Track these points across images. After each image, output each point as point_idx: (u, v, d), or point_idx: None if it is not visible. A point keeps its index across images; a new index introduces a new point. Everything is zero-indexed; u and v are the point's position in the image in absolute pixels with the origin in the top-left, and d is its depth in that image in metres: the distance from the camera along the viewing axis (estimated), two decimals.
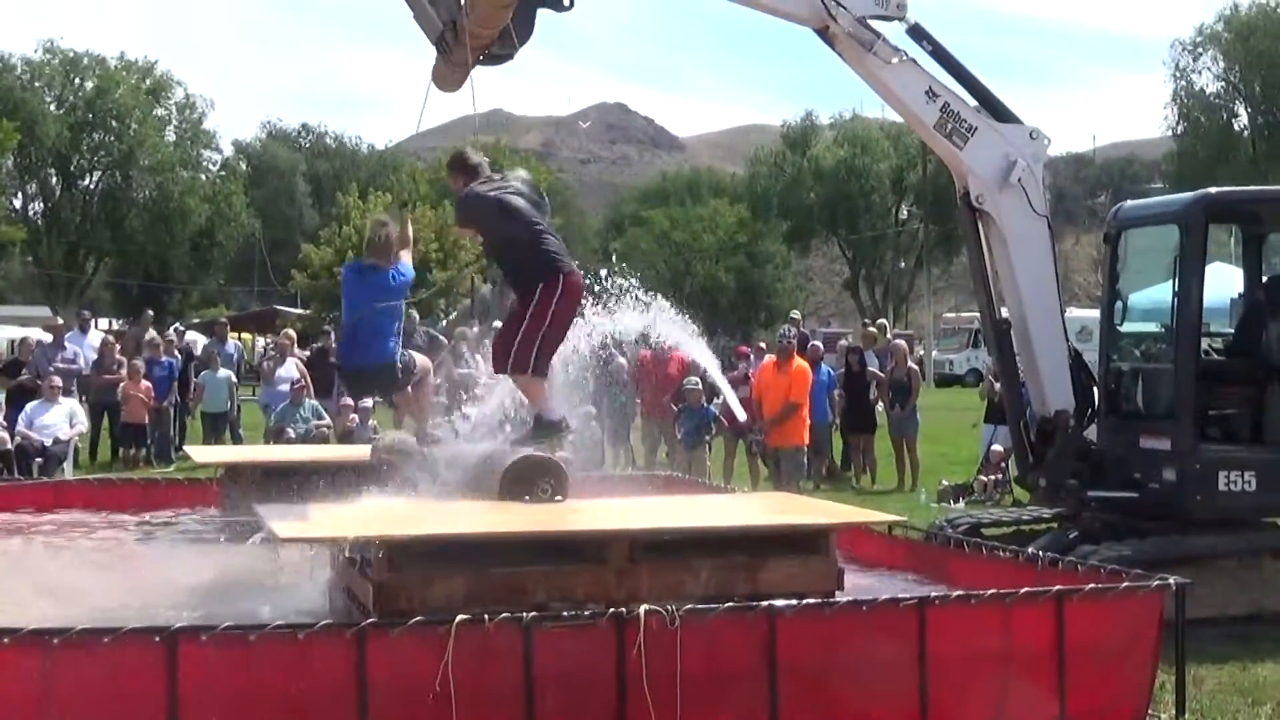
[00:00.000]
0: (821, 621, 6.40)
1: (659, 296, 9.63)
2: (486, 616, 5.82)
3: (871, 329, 23.51)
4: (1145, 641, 6.87)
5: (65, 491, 11.90)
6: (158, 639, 5.50)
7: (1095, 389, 10.91)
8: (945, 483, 17.99)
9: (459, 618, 5.73)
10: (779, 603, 6.35)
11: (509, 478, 7.56)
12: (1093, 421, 10.83)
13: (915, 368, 20.95)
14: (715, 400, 17.02)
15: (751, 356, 19.70)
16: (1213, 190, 10.76)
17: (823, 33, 10.00)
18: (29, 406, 18.94)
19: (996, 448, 17.52)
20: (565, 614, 6.06)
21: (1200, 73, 74.46)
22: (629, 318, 9.44)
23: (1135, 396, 11.08)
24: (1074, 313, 34.38)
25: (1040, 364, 10.61)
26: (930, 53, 10.37)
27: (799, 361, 16.54)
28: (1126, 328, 11.35)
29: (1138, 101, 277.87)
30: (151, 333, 23.58)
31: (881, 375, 20.02)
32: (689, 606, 6.12)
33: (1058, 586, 6.89)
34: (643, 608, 5.97)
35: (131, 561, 9.07)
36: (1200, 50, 73.75)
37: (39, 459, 18.00)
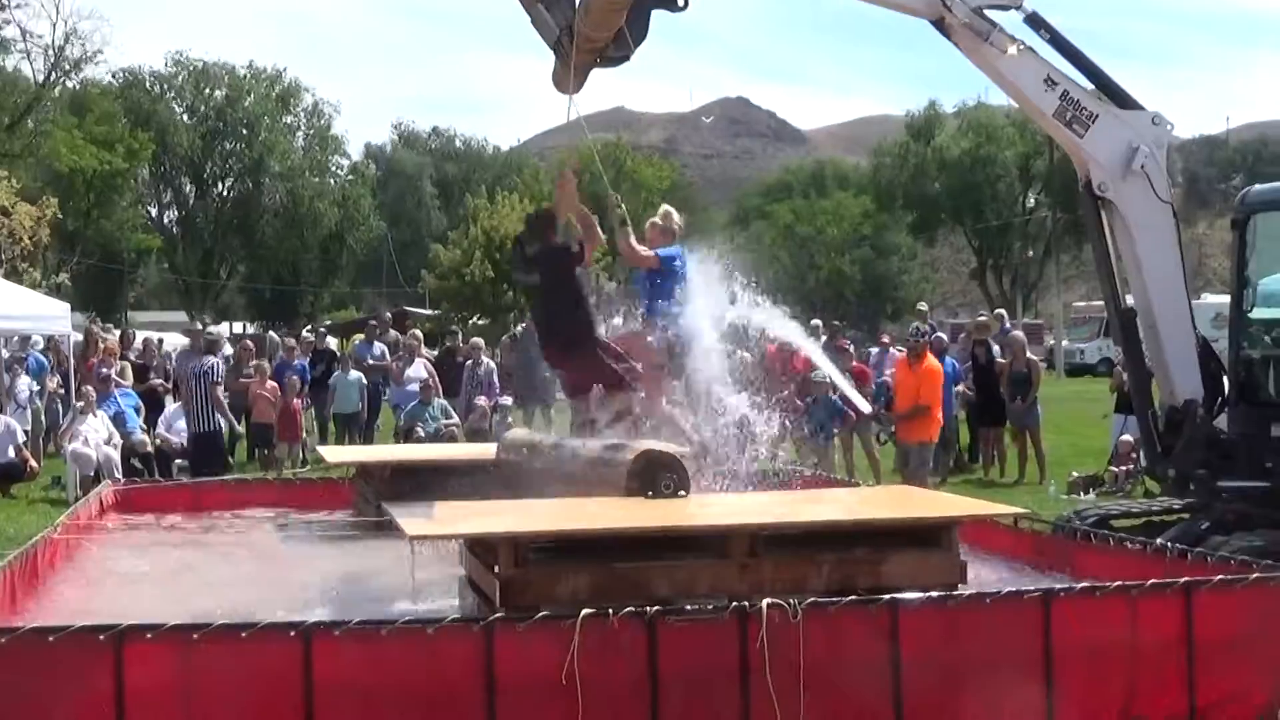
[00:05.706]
0: (944, 614, 6.39)
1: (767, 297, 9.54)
2: (611, 611, 5.90)
3: (982, 317, 23.27)
4: (1277, 633, 6.76)
5: (202, 491, 12.21)
6: (293, 633, 5.66)
7: (1224, 377, 10.74)
8: (1075, 474, 17.80)
9: (584, 612, 5.81)
10: (901, 595, 6.37)
11: (632, 473, 7.64)
12: (1222, 410, 10.65)
13: (1035, 359, 20.66)
14: (834, 394, 16.93)
15: (851, 349, 19.60)
16: None
17: (939, 24, 9.93)
18: (168, 410, 19.45)
19: (1126, 438, 17.29)
20: (689, 608, 6.14)
21: None
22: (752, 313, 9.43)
23: (1266, 384, 10.89)
24: (1209, 298, 33.79)
25: (1167, 353, 10.46)
26: (1048, 40, 10.27)
27: (930, 361, 16.30)
28: (1256, 314, 11.13)
29: (1272, 82, 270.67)
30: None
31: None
32: (811, 600, 6.15)
33: (1186, 578, 6.81)
34: (765, 601, 6.00)
35: (269, 558, 9.30)
36: None
37: (179, 460, 18.45)
